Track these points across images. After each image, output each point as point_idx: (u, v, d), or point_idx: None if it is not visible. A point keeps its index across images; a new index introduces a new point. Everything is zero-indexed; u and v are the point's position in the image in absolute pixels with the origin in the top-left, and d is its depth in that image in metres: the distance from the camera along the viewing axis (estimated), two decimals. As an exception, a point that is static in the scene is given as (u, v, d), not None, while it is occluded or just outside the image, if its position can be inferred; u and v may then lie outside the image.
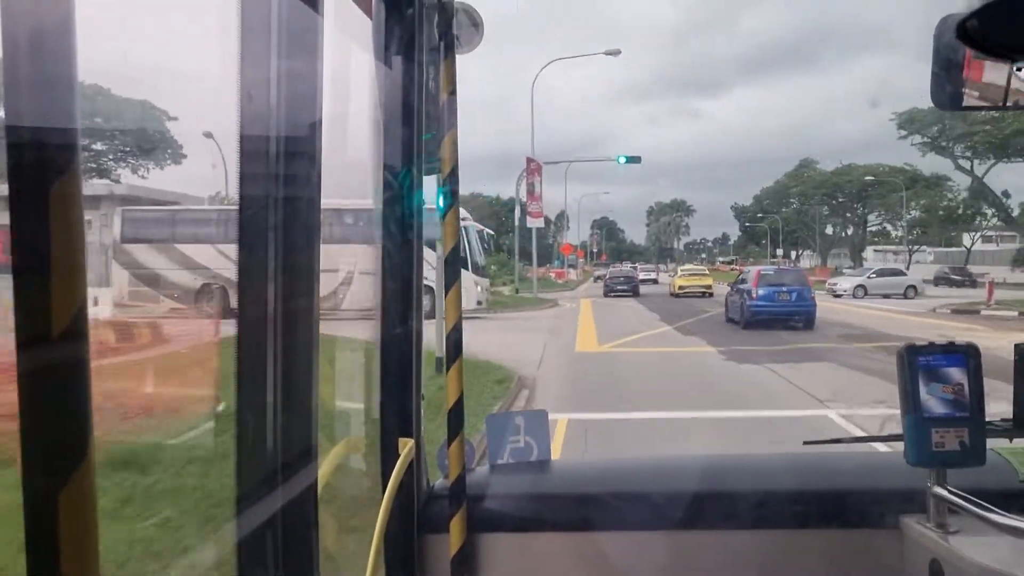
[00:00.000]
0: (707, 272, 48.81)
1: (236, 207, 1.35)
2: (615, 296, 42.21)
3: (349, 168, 2.19)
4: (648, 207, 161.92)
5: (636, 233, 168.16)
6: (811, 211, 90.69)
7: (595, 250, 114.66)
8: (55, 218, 0.77)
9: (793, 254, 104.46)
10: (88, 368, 0.82)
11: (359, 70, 1.99)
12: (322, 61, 1.46)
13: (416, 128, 2.03)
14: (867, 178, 76.27)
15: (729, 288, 28.08)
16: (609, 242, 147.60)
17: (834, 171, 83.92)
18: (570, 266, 68.33)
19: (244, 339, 1.37)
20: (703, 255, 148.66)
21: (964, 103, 1.87)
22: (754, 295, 23.86)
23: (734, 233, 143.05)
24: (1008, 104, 1.87)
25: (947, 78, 1.86)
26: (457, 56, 2.04)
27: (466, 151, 2.05)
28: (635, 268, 65.62)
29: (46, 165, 0.77)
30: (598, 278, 60.86)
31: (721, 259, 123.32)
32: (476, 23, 2.34)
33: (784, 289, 23.90)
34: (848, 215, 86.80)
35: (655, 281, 58.95)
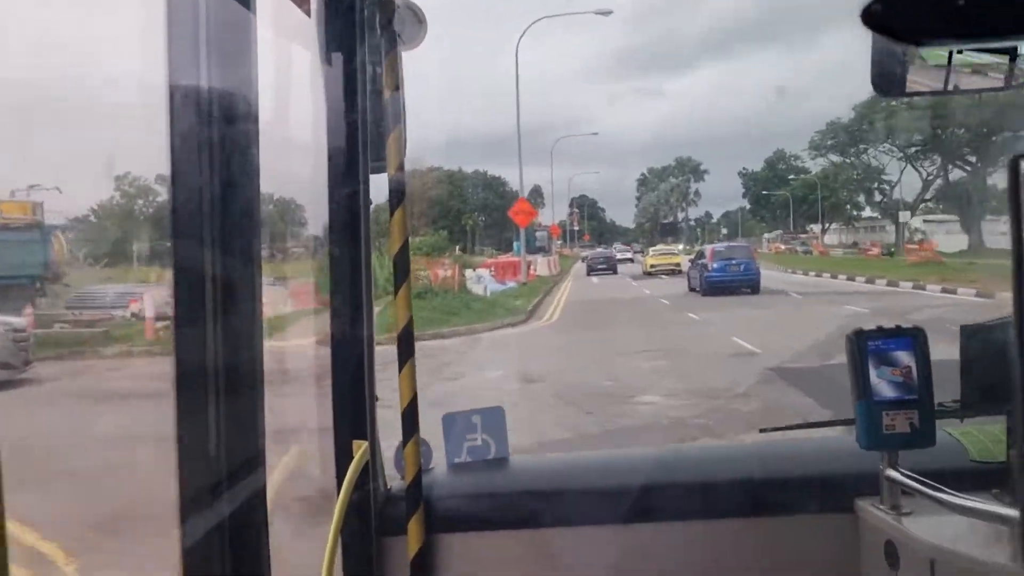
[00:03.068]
0: (676, 252, 52.26)
1: (170, 210, 1.32)
2: (597, 274, 47.20)
3: (292, 170, 2.16)
4: (639, 175, 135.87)
5: (615, 214, 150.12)
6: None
7: (575, 228, 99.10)
8: None
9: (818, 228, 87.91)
10: None
11: (299, 70, 1.96)
12: (256, 61, 1.43)
13: (361, 126, 2.01)
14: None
15: (690, 263, 34.23)
16: (591, 221, 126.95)
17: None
18: (537, 250, 48.69)
19: (181, 343, 1.34)
20: (724, 231, 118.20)
21: (907, 89, 1.88)
22: (710, 268, 29.00)
23: (717, 209, 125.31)
24: (950, 88, 1.89)
25: (888, 64, 1.87)
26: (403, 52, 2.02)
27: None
28: (612, 250, 71.10)
29: None
30: (584, 259, 59.38)
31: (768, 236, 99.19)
32: (420, 19, 2.31)
33: (734, 262, 29.21)
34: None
35: (631, 260, 61.44)
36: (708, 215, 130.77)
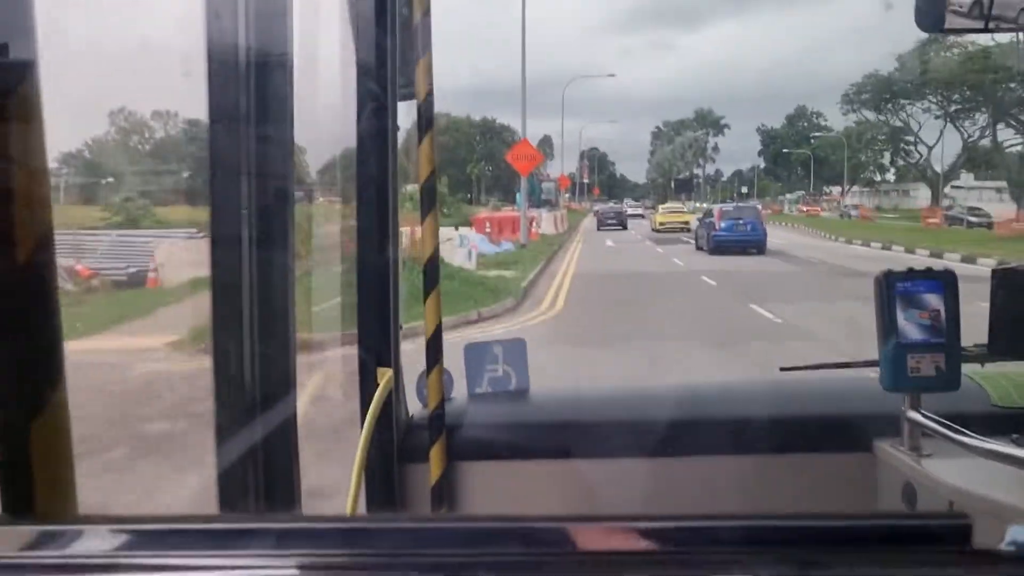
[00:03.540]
0: (685, 210, 53.49)
1: (207, 138, 1.31)
2: (608, 228, 48.63)
3: (322, 97, 2.13)
4: (653, 127, 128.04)
5: (626, 168, 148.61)
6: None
7: (585, 182, 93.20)
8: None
9: (839, 190, 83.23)
10: (56, 295, 0.79)
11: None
12: None
13: (390, 53, 1.98)
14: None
15: (698, 222, 33.95)
16: (601, 175, 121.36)
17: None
18: (543, 203, 44.80)
19: (218, 272, 1.35)
20: (744, 190, 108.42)
21: (947, 25, 1.84)
22: (717, 227, 29.16)
23: (729, 167, 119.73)
24: (990, 26, 1.85)
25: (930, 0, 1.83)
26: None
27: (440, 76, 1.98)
28: (624, 205, 71.86)
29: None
30: (597, 213, 59.29)
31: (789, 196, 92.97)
32: None
33: (741, 222, 29.26)
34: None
35: (642, 216, 62.61)
36: (719, 173, 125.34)
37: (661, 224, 46.74)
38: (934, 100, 59.06)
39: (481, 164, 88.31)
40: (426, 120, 2.01)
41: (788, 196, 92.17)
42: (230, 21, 1.30)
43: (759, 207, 38.03)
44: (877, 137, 72.16)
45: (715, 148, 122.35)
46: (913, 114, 63.31)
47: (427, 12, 1.96)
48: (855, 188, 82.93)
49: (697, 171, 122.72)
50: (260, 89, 1.36)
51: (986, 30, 1.87)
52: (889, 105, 64.04)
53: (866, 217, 59.69)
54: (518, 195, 30.10)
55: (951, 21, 1.85)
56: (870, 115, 68.39)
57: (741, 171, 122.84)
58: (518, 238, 27.74)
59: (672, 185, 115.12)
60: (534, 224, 31.98)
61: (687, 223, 44.61)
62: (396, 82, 2.02)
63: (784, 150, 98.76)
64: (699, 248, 30.62)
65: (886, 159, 76.04)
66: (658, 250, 31.24)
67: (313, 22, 1.82)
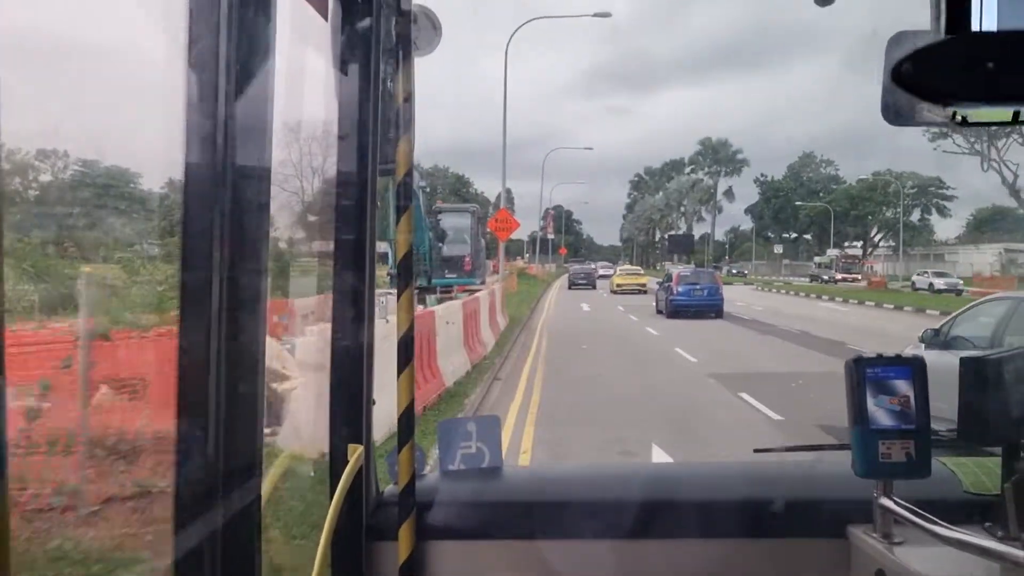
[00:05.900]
0: (642, 272, 55.92)
1: (182, 211, 1.32)
2: (577, 288, 51.80)
3: (302, 172, 2.16)
4: (639, 170, 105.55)
5: (591, 230, 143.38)
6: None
7: (551, 238, 79.46)
8: None
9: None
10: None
11: (314, 73, 1.96)
12: (275, 64, 1.43)
13: (372, 132, 2.01)
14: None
15: (658, 285, 35.90)
16: (567, 235, 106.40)
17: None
18: (441, 263, 25.06)
19: (185, 342, 1.34)
20: (778, 249, 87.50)
21: (916, 119, 1.89)
22: (675, 291, 30.73)
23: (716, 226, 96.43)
24: (960, 120, 1.90)
25: (898, 94, 1.88)
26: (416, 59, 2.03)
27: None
28: (596, 266, 72.59)
29: None
30: (569, 273, 60.30)
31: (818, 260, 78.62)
32: (435, 26, 2.32)
33: (699, 287, 30.78)
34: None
35: (609, 277, 63.90)
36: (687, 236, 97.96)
37: (618, 286, 48.56)
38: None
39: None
40: (404, 198, 2.04)
41: (817, 258, 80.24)
42: (211, 89, 1.32)
43: (716, 272, 39.12)
44: (906, 188, 65.85)
45: (728, 193, 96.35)
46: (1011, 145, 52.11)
47: (409, 97, 2.01)
48: (881, 249, 75.07)
49: (701, 221, 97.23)
50: (238, 170, 1.37)
51: (955, 123, 1.91)
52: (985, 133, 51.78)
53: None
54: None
55: (920, 116, 1.90)
56: (962, 146, 58.49)
57: (737, 228, 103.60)
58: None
59: (663, 243, 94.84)
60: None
61: (644, 285, 46.95)
62: (376, 159, 2.05)
63: (798, 202, 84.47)
64: (658, 311, 32.31)
65: (933, 214, 69.44)
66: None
67: (297, 103, 1.85)
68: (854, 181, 76.71)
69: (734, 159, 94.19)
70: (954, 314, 9.86)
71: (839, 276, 64.54)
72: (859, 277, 64.08)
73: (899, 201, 70.48)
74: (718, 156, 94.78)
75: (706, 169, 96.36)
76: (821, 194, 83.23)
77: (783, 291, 52.94)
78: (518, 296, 36.61)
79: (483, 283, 28.03)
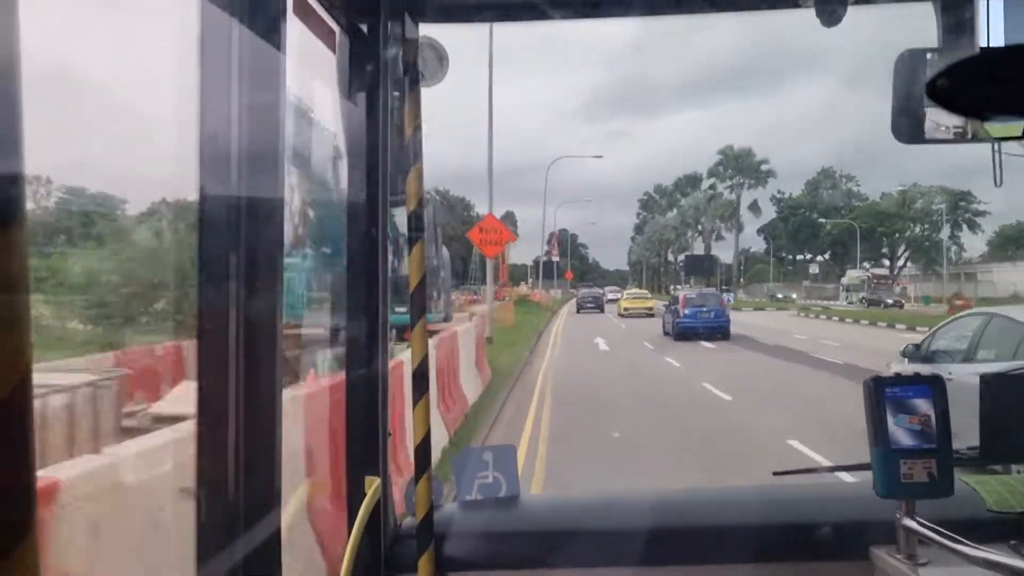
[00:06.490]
0: (648, 296, 55.71)
1: (196, 246, 1.32)
2: (586, 312, 51.61)
3: (312, 203, 2.17)
4: (649, 188, 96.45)
5: (596, 254, 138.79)
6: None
7: (556, 260, 72.24)
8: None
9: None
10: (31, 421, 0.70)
11: (322, 105, 1.98)
12: (284, 96, 1.44)
13: (381, 162, 2.02)
14: None
15: (665, 308, 35.42)
16: (572, 259, 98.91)
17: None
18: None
19: (204, 376, 1.34)
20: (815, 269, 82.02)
21: (926, 136, 1.89)
22: (681, 314, 30.19)
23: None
24: (970, 137, 1.90)
25: (908, 111, 1.89)
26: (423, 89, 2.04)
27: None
28: (603, 291, 69.26)
29: None
30: (578, 297, 59.25)
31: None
32: (441, 56, 2.33)
33: (705, 309, 30.35)
34: None
35: (617, 300, 63.24)
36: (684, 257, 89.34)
37: (625, 309, 48.52)
38: None
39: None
40: (416, 229, 2.04)
41: (844, 280, 73.43)
42: (223, 121, 1.33)
43: (721, 294, 38.24)
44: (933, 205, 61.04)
45: (754, 206, 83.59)
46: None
47: (419, 127, 2.02)
48: (908, 270, 70.26)
49: (719, 239, 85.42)
50: (251, 204, 1.37)
51: (966, 140, 1.92)
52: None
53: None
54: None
55: (930, 132, 1.90)
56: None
57: (749, 251, 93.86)
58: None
59: (678, 265, 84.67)
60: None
61: (651, 308, 46.65)
62: (387, 190, 2.05)
63: (820, 219, 76.65)
64: (665, 333, 31.81)
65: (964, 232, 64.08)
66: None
67: (306, 135, 1.87)
68: (878, 197, 72.09)
69: (758, 170, 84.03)
70: (933, 329, 10.42)
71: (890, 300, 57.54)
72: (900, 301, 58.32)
73: (927, 218, 67.48)
74: (741, 166, 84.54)
75: (727, 182, 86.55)
76: (843, 212, 77.29)
77: (828, 317, 46.35)
78: (514, 332, 29.88)
79: (448, 319, 22.04)
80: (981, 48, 0.93)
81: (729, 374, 18.34)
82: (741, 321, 36.76)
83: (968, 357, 8.97)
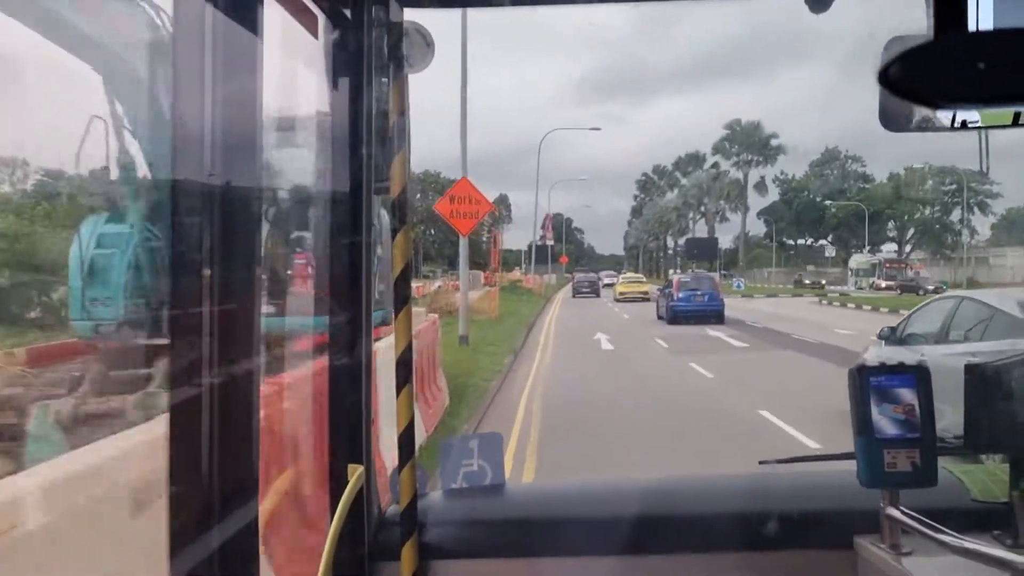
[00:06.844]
0: (644, 280, 56.16)
1: (170, 235, 1.30)
2: (581, 297, 52.02)
3: (294, 190, 2.15)
4: (647, 170, 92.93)
5: (591, 239, 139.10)
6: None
7: (550, 244, 69.31)
8: None
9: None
10: None
11: (305, 91, 1.95)
12: (263, 83, 1.42)
13: (365, 149, 2.00)
14: None
15: (659, 292, 35.22)
16: (568, 244, 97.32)
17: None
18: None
19: (176, 360, 1.32)
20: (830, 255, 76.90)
21: (913, 125, 1.88)
22: (675, 297, 30.18)
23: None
24: (957, 125, 1.88)
25: (895, 100, 1.87)
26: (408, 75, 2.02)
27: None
28: (599, 276, 69.07)
29: None
30: (574, 282, 59.42)
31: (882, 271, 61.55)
32: (428, 42, 2.31)
33: (699, 292, 30.24)
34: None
35: (613, 285, 62.59)
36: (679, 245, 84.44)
37: (621, 294, 48.50)
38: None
39: (419, 225, 69.97)
40: (400, 215, 2.02)
41: (852, 264, 68.06)
42: (196, 110, 1.31)
43: (715, 277, 37.99)
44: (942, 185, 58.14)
45: (760, 185, 79.66)
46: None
47: (404, 111, 2.00)
48: (916, 253, 67.27)
49: (723, 221, 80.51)
50: (227, 178, 1.35)
51: (953, 128, 1.90)
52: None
53: None
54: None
55: (917, 122, 1.88)
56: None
57: (749, 236, 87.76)
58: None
59: (677, 248, 79.75)
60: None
61: (646, 293, 46.63)
62: (371, 176, 2.03)
63: (827, 201, 71.89)
64: (659, 317, 31.54)
65: (975, 214, 61.29)
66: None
67: (288, 122, 1.84)
68: (885, 178, 69.44)
69: (767, 145, 78.04)
70: (908, 313, 10.73)
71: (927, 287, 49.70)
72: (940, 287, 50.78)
73: (938, 200, 64.91)
74: (749, 141, 78.45)
75: (733, 159, 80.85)
76: (848, 194, 74.11)
77: (857, 306, 40.06)
78: (498, 326, 24.75)
79: (386, 322, 9.74)
80: (936, 36, 0.91)
81: (790, 396, 12.81)
82: (766, 312, 34.20)
83: (940, 339, 9.22)
